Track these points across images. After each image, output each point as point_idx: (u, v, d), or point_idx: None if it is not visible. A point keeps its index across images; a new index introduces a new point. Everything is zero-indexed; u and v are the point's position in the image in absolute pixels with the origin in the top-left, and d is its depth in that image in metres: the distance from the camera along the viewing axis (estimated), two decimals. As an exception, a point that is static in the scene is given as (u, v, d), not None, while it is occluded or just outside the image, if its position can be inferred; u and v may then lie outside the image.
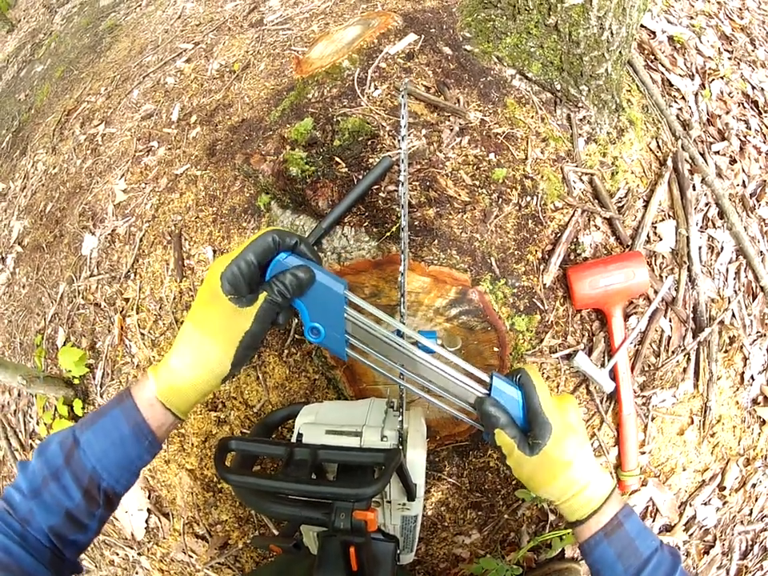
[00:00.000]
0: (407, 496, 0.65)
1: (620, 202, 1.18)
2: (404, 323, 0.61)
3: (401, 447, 0.65)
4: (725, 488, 1.15)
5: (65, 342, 1.42)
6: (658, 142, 1.31)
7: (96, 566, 1.36)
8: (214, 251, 1.19)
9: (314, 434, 0.67)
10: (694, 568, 1.14)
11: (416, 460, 0.65)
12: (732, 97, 1.50)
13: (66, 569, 0.52)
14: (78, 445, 0.50)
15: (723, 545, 1.16)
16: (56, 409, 1.37)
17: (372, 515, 0.54)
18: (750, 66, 1.60)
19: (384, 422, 0.68)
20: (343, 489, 0.54)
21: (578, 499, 0.59)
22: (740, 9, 1.79)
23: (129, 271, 1.35)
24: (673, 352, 1.13)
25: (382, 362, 0.61)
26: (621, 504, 0.61)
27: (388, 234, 0.88)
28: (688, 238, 1.19)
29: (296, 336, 1.09)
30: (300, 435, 0.68)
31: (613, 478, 0.62)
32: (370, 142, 0.98)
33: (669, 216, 1.21)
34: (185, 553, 1.24)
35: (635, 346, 1.11)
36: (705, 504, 1.15)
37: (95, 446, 0.50)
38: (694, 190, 1.25)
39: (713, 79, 1.50)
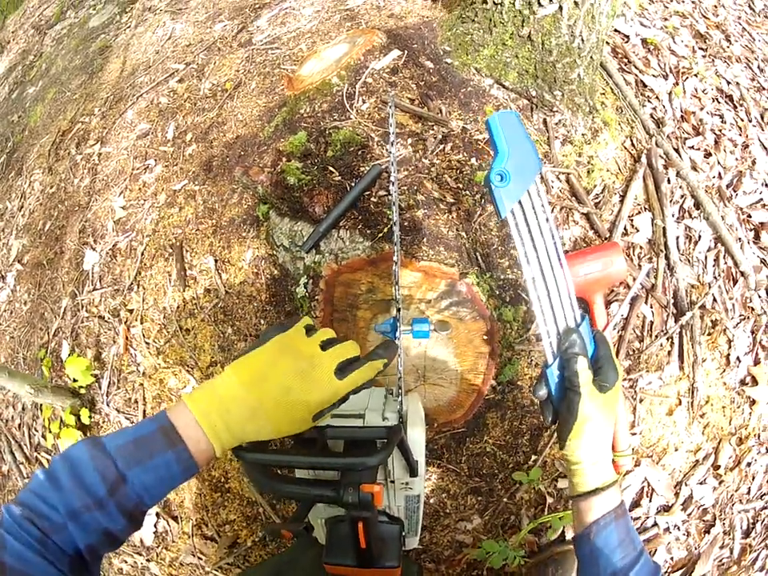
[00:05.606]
0: (409, 472, 0.70)
1: (597, 198, 1.24)
2: (399, 309, 0.67)
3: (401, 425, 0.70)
4: (719, 467, 1.16)
5: (69, 354, 1.45)
6: (632, 141, 1.38)
7: (104, 576, 1.37)
8: (216, 260, 1.24)
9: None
10: (695, 548, 1.15)
11: (416, 438, 0.69)
12: (706, 93, 1.53)
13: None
14: (126, 480, 0.50)
15: (724, 524, 1.16)
16: (62, 419, 1.39)
17: (378, 488, 0.59)
18: (724, 61, 1.62)
19: (384, 405, 0.74)
20: (350, 459, 0.59)
21: (603, 465, 0.61)
22: (715, 6, 1.80)
23: (132, 283, 1.39)
24: (656, 336, 1.18)
25: None
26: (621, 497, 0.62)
27: (380, 234, 0.94)
28: (664, 228, 1.25)
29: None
30: None
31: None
32: (360, 152, 1.04)
33: (645, 209, 1.28)
34: (194, 555, 1.25)
35: (618, 331, 1.17)
36: (701, 483, 1.16)
37: (145, 481, 0.52)
38: (669, 183, 1.31)
39: (687, 77, 1.53)
